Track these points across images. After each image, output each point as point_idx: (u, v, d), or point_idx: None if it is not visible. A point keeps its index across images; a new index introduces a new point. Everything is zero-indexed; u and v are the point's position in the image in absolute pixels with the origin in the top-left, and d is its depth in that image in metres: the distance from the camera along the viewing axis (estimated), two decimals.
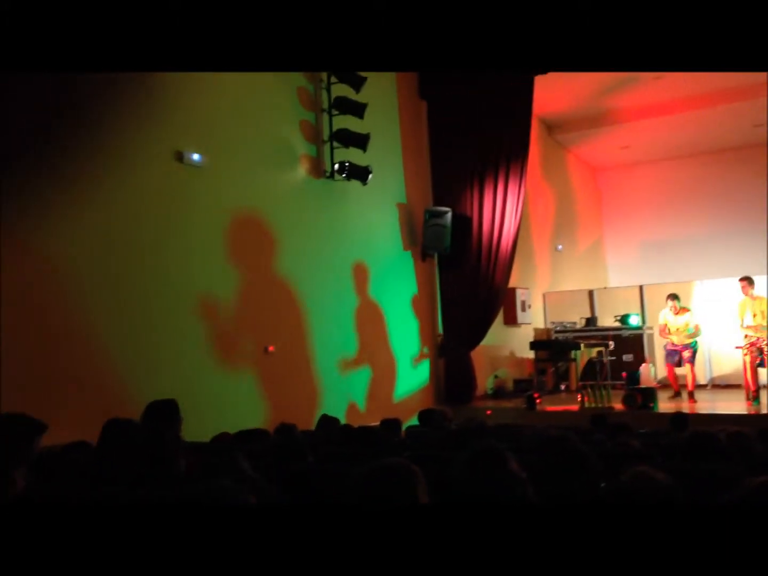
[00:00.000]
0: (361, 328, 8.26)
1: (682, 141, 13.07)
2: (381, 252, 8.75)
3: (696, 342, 9.12)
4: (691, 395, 8.91)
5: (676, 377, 9.22)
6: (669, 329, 9.11)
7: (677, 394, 9.16)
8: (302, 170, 7.72)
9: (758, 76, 10.59)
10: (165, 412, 3.58)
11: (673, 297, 9.16)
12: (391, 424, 4.94)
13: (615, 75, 10.30)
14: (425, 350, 9.41)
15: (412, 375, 9.06)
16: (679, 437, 4.12)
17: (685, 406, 8.46)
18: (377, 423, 5.27)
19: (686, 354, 8.97)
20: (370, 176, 8.08)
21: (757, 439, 4.27)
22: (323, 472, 2.87)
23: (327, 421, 5.09)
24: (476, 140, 9.49)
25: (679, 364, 9.10)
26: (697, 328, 9.02)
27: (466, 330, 9.47)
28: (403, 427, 5.68)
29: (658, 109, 11.85)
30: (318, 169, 7.92)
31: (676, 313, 9.05)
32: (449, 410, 6.30)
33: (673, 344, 9.08)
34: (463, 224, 9.46)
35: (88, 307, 5.37)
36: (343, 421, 7.02)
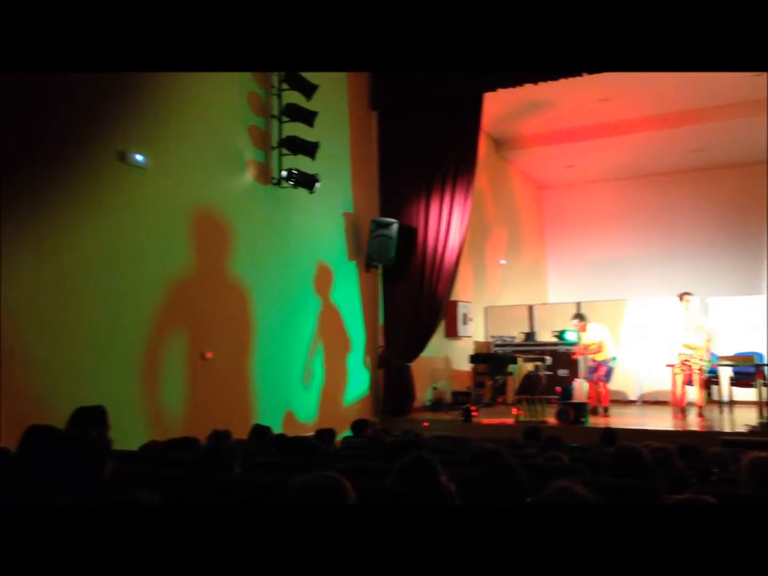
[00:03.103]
0: (303, 336, 8.24)
1: (625, 163, 13.46)
2: (326, 261, 8.74)
3: (615, 359, 9.40)
4: (605, 410, 9.20)
5: (596, 393, 9.46)
6: (578, 347, 9.57)
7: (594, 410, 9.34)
8: (249, 176, 7.67)
9: (699, 103, 11.02)
10: (93, 418, 3.50)
11: (579, 316, 9.48)
12: (325, 435, 4.93)
13: (556, 94, 10.55)
14: (366, 361, 9.43)
15: (352, 385, 9.06)
16: (606, 452, 4.23)
17: (614, 422, 8.66)
18: (312, 433, 5.27)
19: (600, 372, 9.27)
20: (318, 185, 8.07)
21: (678, 455, 4.42)
22: (247, 482, 2.85)
23: (259, 430, 5.05)
24: (425, 153, 9.59)
25: (591, 380, 9.45)
26: (599, 346, 9.29)
27: (407, 341, 9.53)
28: (340, 438, 5.71)
29: (603, 130, 12.18)
30: (265, 176, 7.88)
31: (582, 331, 9.37)
32: (380, 421, 6.33)
33: (594, 360, 9.41)
34: (409, 236, 9.53)
35: (10, 310, 5.08)
36: (280, 430, 7.00)
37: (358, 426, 5.60)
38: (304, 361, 8.22)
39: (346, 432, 6.20)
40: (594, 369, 9.41)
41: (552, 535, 1.94)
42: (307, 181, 8.02)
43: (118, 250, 5.96)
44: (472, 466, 2.98)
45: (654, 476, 3.40)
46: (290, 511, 1.79)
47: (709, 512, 1.95)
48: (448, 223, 9.59)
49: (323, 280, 8.65)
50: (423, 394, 10.36)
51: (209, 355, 6.76)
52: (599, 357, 9.37)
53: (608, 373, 9.40)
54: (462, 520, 1.97)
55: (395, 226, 9.22)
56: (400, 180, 9.70)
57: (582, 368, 11.24)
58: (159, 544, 1.60)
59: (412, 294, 9.55)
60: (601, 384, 9.37)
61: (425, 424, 8.76)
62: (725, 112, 11.16)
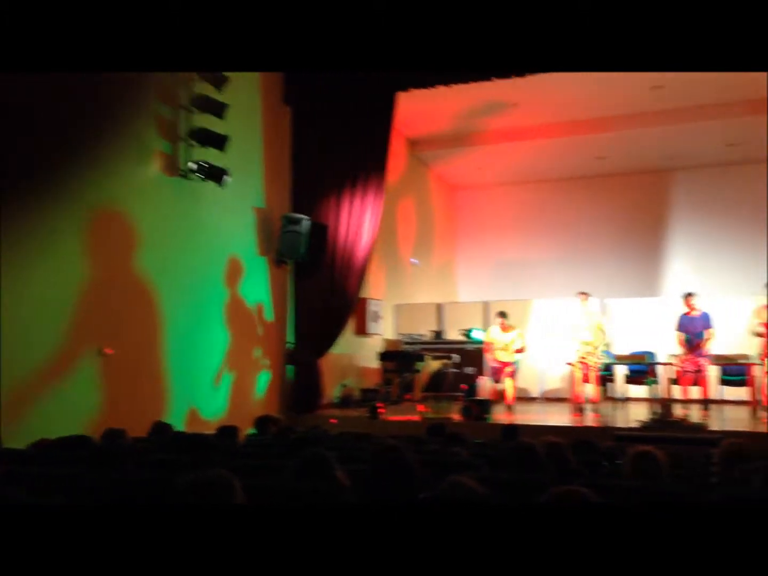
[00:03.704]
0: (211, 332, 8.09)
1: (533, 167, 13.85)
2: (235, 256, 8.61)
3: (518, 362, 9.69)
4: (509, 408, 9.41)
5: (497, 394, 9.68)
6: (495, 346, 9.58)
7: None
8: (155, 167, 7.46)
9: (602, 112, 11.46)
10: None
11: (502, 315, 9.66)
12: (228, 432, 4.87)
13: (474, 97, 10.77)
14: (275, 357, 9.35)
15: (259, 382, 8.98)
16: (504, 447, 4.36)
17: (516, 418, 8.91)
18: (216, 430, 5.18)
19: (508, 369, 9.51)
20: (227, 178, 7.95)
21: (573, 449, 4.59)
22: (137, 481, 2.79)
23: (160, 427, 4.93)
24: (338, 150, 9.59)
25: (500, 381, 9.62)
26: (523, 346, 9.57)
27: (316, 338, 9.52)
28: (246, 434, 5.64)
29: (514, 134, 12.49)
30: (173, 167, 7.68)
31: (504, 330, 9.55)
32: (287, 418, 6.30)
33: (498, 361, 9.58)
34: (320, 232, 9.51)
35: None
36: (183, 427, 6.86)
37: (261, 423, 5.54)
38: (211, 358, 8.08)
39: (253, 429, 6.14)
40: (498, 369, 9.59)
41: (441, 529, 1.99)
42: (216, 174, 7.88)
43: (31, 243, 5.73)
44: (370, 462, 3.01)
45: (546, 470, 3.53)
46: (173, 509, 1.76)
47: (583, 508, 2.04)
48: (359, 221, 9.63)
49: (232, 274, 8.53)
50: (332, 391, 10.37)
51: (109, 351, 6.54)
52: (509, 358, 9.56)
53: (515, 372, 9.66)
54: (351, 516, 1.99)
55: (306, 223, 9.18)
56: (313, 176, 9.66)
57: (488, 366, 11.52)
58: (29, 544, 1.54)
59: (322, 290, 9.54)
60: (512, 381, 9.59)
61: (333, 420, 8.77)
62: (626, 122, 11.65)
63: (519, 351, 9.58)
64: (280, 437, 5.02)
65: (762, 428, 8.05)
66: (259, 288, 9.09)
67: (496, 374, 9.64)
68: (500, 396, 9.65)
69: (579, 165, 13.63)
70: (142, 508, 1.81)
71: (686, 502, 2.82)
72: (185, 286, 7.71)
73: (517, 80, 8.95)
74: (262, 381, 9.04)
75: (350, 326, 10.66)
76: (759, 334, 8.58)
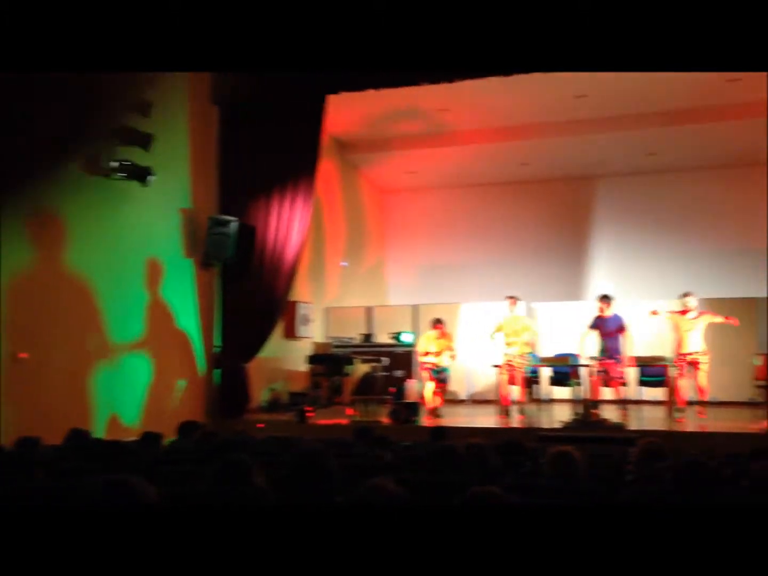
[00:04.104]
0: (133, 336, 7.89)
1: (461, 172, 14.01)
2: (159, 257, 8.42)
3: (448, 368, 9.78)
4: (434, 412, 9.46)
5: (434, 402, 9.70)
6: (429, 352, 9.63)
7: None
8: (76, 165, 7.23)
9: (525, 119, 11.71)
10: None
11: (439, 321, 9.73)
12: (149, 438, 4.75)
13: (403, 101, 10.84)
14: (201, 361, 9.18)
15: (185, 386, 8.79)
16: (426, 449, 4.40)
17: (444, 421, 9.00)
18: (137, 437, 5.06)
19: (441, 376, 9.60)
20: (151, 178, 7.77)
21: (499, 450, 4.67)
22: (49, 489, 2.70)
23: (76, 435, 4.78)
24: (267, 151, 9.48)
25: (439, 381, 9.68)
26: (453, 354, 9.66)
27: (244, 341, 9.39)
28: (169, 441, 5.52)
29: (442, 139, 12.62)
30: (95, 166, 7.46)
31: (440, 337, 9.62)
32: (213, 423, 6.20)
33: (432, 364, 9.61)
34: (249, 234, 9.39)
35: None
36: (104, 435, 6.66)
37: (185, 428, 5.43)
38: (135, 363, 7.87)
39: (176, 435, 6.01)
40: (439, 371, 9.64)
41: (357, 532, 1.99)
42: (139, 174, 7.70)
43: None
44: (290, 467, 2.99)
45: (466, 471, 3.58)
46: (78, 514, 1.71)
47: (495, 509, 2.07)
48: (288, 224, 9.55)
49: (156, 277, 8.33)
50: (260, 395, 10.25)
51: (24, 355, 6.29)
52: (443, 363, 9.61)
53: (446, 378, 9.75)
54: (268, 519, 1.97)
55: (234, 224, 9.06)
56: (241, 177, 9.54)
57: (417, 369, 11.61)
58: None
59: (250, 293, 9.42)
60: (444, 386, 9.66)
61: (260, 425, 8.67)
62: (550, 129, 11.94)
63: (451, 357, 9.64)
64: (202, 443, 4.92)
65: (677, 428, 8.36)
66: (184, 291, 8.91)
67: (433, 374, 9.65)
68: (432, 397, 9.69)
69: (505, 171, 13.87)
70: (45, 513, 1.75)
71: (598, 501, 2.91)
72: (107, 289, 7.49)
73: (446, 86, 9.05)
74: (188, 386, 8.86)
75: (279, 329, 10.56)
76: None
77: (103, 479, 1.91)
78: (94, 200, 7.43)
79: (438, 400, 9.63)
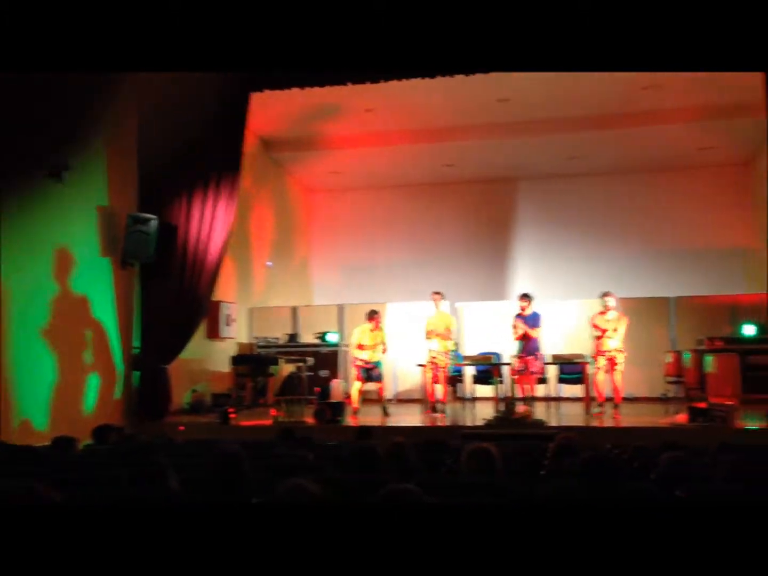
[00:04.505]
0: (49, 336, 7.59)
1: (386, 172, 14.08)
2: (75, 256, 8.13)
3: (380, 362, 9.77)
4: (384, 410, 9.47)
5: (362, 393, 9.67)
6: (363, 345, 9.59)
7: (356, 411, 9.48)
8: None
9: (450, 121, 11.86)
10: None
11: (374, 314, 9.66)
12: (62, 443, 4.59)
13: (329, 101, 10.81)
14: (119, 362, 8.92)
15: (102, 389, 8.52)
16: (347, 449, 4.40)
17: (370, 420, 9.01)
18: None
19: (375, 372, 9.58)
20: (66, 174, 7.51)
21: (422, 448, 4.72)
22: None
23: None
24: (189, 149, 9.29)
25: (369, 380, 9.66)
26: (385, 348, 9.67)
27: (164, 342, 9.17)
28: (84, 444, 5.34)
29: (367, 139, 12.65)
30: None
31: (374, 330, 9.58)
32: (133, 426, 6.05)
33: (364, 361, 9.56)
34: (170, 233, 9.18)
35: None
36: (15, 440, 6.38)
37: (100, 432, 5.27)
38: (48, 365, 7.58)
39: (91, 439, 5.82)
40: (365, 370, 9.55)
41: (275, 532, 1.97)
42: (54, 170, 7.43)
43: None
44: (207, 469, 2.94)
45: (386, 470, 3.60)
46: None
47: (411, 507, 2.09)
48: (211, 223, 9.38)
49: (72, 276, 8.05)
50: (182, 397, 10.05)
51: None
52: (374, 358, 9.59)
53: (380, 374, 9.72)
54: (177, 521, 1.94)
55: (154, 223, 8.83)
56: (161, 175, 9.30)
57: (341, 369, 11.63)
58: None
59: (171, 293, 9.21)
60: (381, 383, 9.61)
61: (181, 428, 8.49)
62: (473, 132, 12.12)
63: (383, 351, 9.61)
64: (118, 447, 4.79)
65: (595, 423, 8.63)
66: (102, 290, 8.63)
67: (363, 373, 9.55)
68: (358, 396, 9.61)
69: (430, 172, 14.02)
70: None
71: (513, 497, 2.97)
72: (20, 289, 7.20)
73: (372, 86, 9.08)
74: (107, 388, 8.59)
75: (202, 330, 10.37)
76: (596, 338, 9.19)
77: (4, 485, 1.84)
78: (5, 196, 7.12)
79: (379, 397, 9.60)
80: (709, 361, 9.04)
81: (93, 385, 8.37)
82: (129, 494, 2.70)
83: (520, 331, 9.23)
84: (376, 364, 9.57)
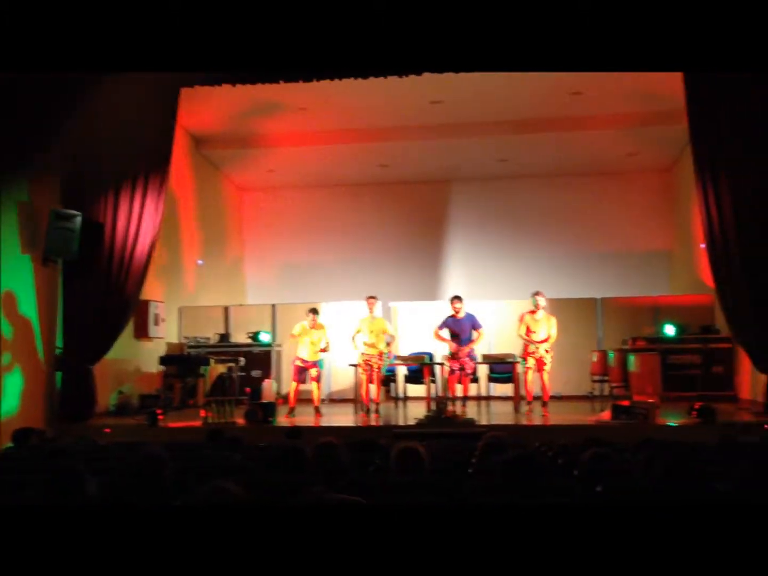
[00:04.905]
0: None
1: (320, 171, 14.02)
2: None
3: (322, 361, 9.73)
4: (317, 410, 9.42)
5: (297, 394, 9.61)
6: (301, 340, 9.45)
7: (293, 410, 9.39)
8: None
9: (385, 122, 11.89)
10: None
11: (314, 311, 9.60)
12: None
13: (262, 99, 10.68)
14: (41, 363, 8.61)
15: (23, 390, 8.20)
16: (275, 450, 4.35)
17: (304, 420, 8.96)
18: None
19: (313, 372, 9.49)
20: None
21: (345, 449, 4.69)
22: None
23: None
24: (116, 144, 9.03)
25: (305, 380, 9.57)
26: (327, 344, 9.58)
27: (89, 342, 8.89)
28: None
29: (301, 138, 12.56)
30: None
31: (312, 327, 9.48)
32: (55, 429, 5.85)
33: (303, 361, 9.44)
34: (95, 230, 8.92)
35: None
36: None
37: (20, 435, 5.08)
38: None
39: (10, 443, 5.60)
40: (304, 370, 9.46)
41: (192, 534, 1.93)
42: None
43: None
44: (127, 472, 2.86)
45: (313, 471, 3.57)
46: None
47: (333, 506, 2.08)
48: (139, 220, 9.16)
49: None
50: (108, 399, 9.78)
51: None
52: (315, 357, 9.50)
53: (319, 374, 9.65)
54: (93, 524, 1.88)
55: (78, 219, 8.56)
56: (86, 171, 9.02)
57: (273, 369, 11.52)
58: None
59: (96, 292, 8.93)
60: (317, 384, 9.53)
61: (107, 430, 8.26)
62: (407, 133, 12.18)
63: (323, 350, 9.51)
64: (37, 450, 4.62)
65: (524, 421, 8.79)
66: (22, 289, 8.31)
67: (301, 374, 9.47)
68: (294, 396, 9.48)
69: (364, 172, 14.02)
70: None
71: (440, 495, 2.99)
72: None
73: (307, 85, 9.00)
74: (28, 389, 8.27)
75: (130, 330, 10.11)
76: (522, 337, 9.34)
77: None
78: None
79: (316, 398, 9.52)
80: (632, 360, 9.31)
81: (14, 385, 8.06)
82: (42, 498, 2.60)
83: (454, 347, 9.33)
84: (316, 363, 9.50)
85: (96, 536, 1.84)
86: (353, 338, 9.46)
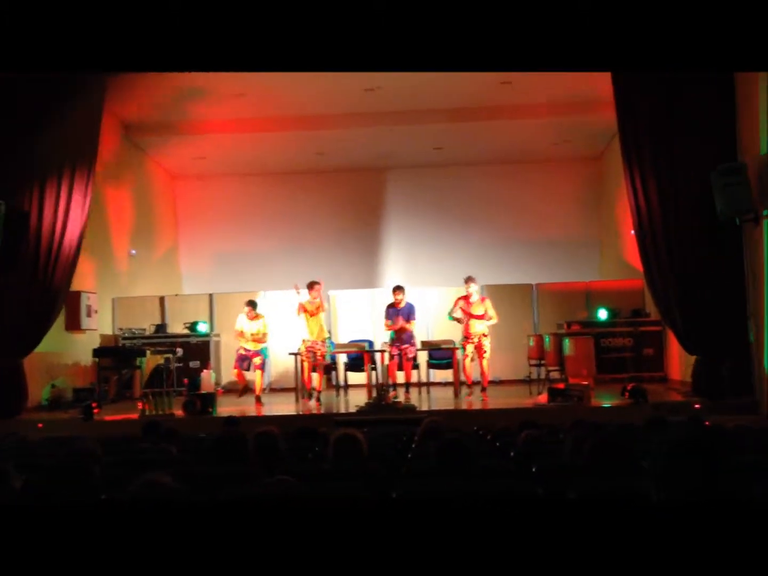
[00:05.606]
0: None
1: (256, 159, 13.82)
2: None
3: (266, 349, 9.73)
4: (258, 399, 9.47)
5: (245, 381, 9.66)
6: (244, 334, 9.55)
7: (245, 390, 9.61)
8: None
9: (320, 110, 11.79)
10: None
11: (251, 303, 9.64)
12: None
13: (192, 84, 10.45)
14: None
15: None
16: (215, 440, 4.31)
17: (246, 409, 8.93)
18: None
19: (257, 360, 9.51)
20: None
21: (284, 438, 4.68)
22: None
23: None
24: (40, 131, 8.71)
25: (249, 368, 9.59)
26: (265, 335, 9.60)
27: (16, 335, 8.60)
28: None
29: (235, 125, 12.32)
30: None
31: (251, 319, 9.51)
32: None
33: (245, 349, 9.54)
34: (20, 220, 8.58)
35: None
36: None
37: None
38: None
39: None
40: (246, 358, 9.52)
41: (125, 528, 1.90)
42: None
43: None
44: (56, 466, 2.79)
45: (253, 460, 3.55)
46: None
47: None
48: (66, 208, 8.89)
49: None
50: (39, 393, 9.50)
51: None
52: (256, 346, 9.50)
53: (264, 362, 9.70)
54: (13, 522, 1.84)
55: (1, 208, 8.24)
56: (9, 160, 8.66)
57: (212, 359, 11.38)
58: None
59: (22, 284, 8.63)
60: (261, 372, 9.58)
61: (39, 425, 8.04)
62: (342, 120, 12.11)
63: (261, 340, 9.55)
64: None
65: (464, 406, 8.92)
66: None
67: (243, 362, 9.54)
68: (246, 383, 9.64)
69: (301, 159, 13.89)
70: None
71: (378, 481, 3.01)
72: None
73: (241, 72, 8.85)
74: None
75: (60, 322, 9.82)
76: (458, 320, 9.45)
77: None
78: None
79: (258, 388, 9.56)
80: (567, 344, 9.53)
81: None
82: None
83: (398, 325, 9.44)
84: (260, 352, 9.54)
85: (18, 534, 1.79)
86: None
